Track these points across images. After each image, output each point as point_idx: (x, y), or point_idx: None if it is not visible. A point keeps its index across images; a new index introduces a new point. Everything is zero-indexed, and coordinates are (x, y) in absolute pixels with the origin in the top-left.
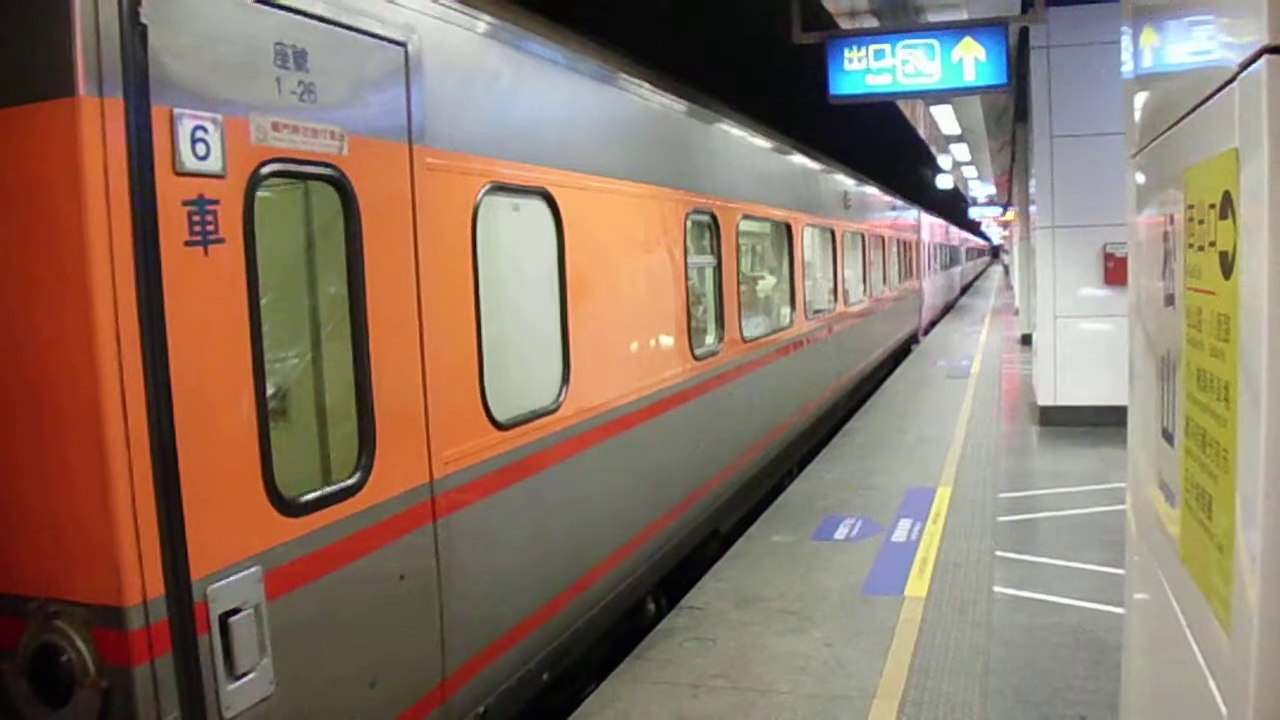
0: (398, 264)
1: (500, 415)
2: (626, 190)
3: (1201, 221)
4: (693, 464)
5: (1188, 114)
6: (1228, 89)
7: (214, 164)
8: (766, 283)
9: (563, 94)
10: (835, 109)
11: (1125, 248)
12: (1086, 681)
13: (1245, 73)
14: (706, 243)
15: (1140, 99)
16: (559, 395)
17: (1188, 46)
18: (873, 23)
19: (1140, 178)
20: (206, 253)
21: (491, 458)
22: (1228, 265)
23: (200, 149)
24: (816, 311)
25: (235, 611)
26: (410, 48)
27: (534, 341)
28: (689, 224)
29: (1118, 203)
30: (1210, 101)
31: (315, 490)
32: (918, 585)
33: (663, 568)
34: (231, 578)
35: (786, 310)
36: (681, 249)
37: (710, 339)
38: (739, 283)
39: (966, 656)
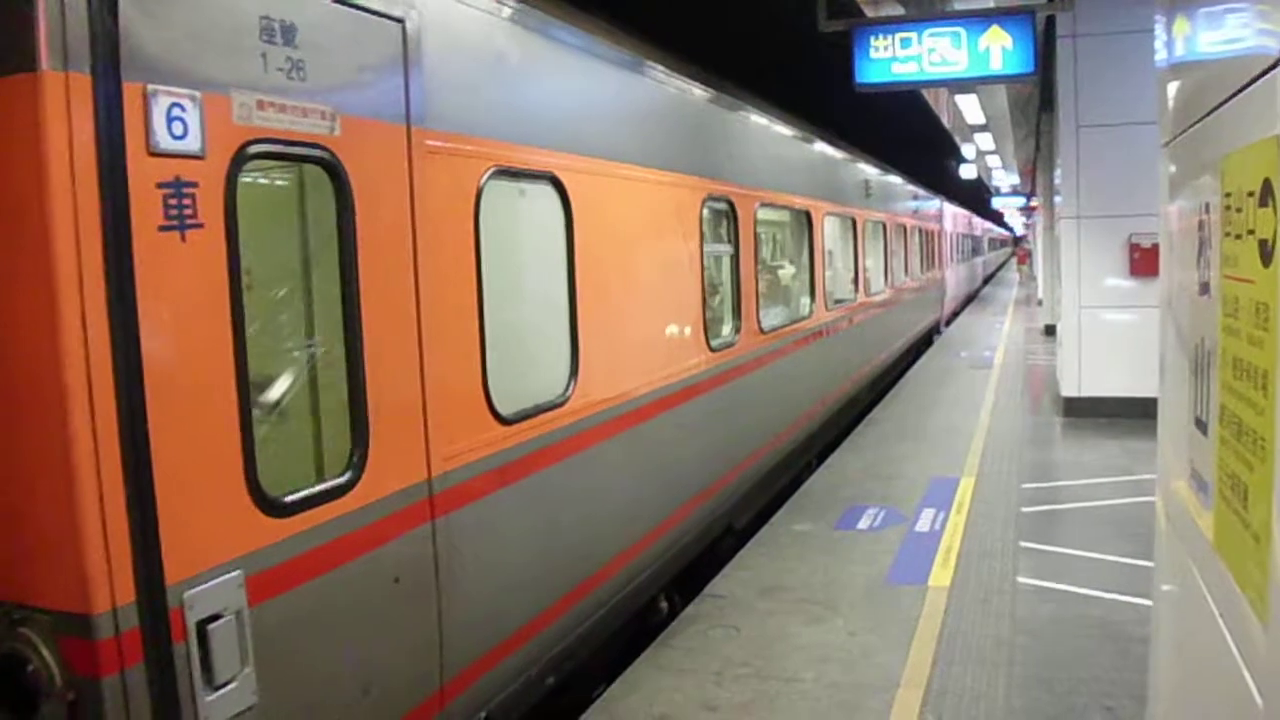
0: (394, 250)
1: (504, 409)
2: (640, 176)
3: (1239, 209)
4: (707, 458)
5: (1225, 101)
6: (1268, 76)
7: (192, 144)
8: (786, 272)
9: (573, 76)
10: (858, 97)
11: (1151, 238)
12: (1111, 672)
13: None
14: (723, 231)
15: (1174, 87)
16: (567, 388)
17: (1225, 34)
18: (899, 11)
19: (1173, 167)
20: (184, 238)
21: (494, 454)
22: (1268, 253)
23: (177, 128)
24: (837, 301)
25: (215, 618)
26: (409, 24)
27: (541, 333)
28: (705, 211)
29: (1143, 193)
30: (1250, 88)
31: (303, 489)
32: (941, 575)
33: (675, 566)
34: (210, 582)
35: (806, 300)
36: (697, 237)
37: (727, 329)
38: (757, 272)
39: (990, 646)
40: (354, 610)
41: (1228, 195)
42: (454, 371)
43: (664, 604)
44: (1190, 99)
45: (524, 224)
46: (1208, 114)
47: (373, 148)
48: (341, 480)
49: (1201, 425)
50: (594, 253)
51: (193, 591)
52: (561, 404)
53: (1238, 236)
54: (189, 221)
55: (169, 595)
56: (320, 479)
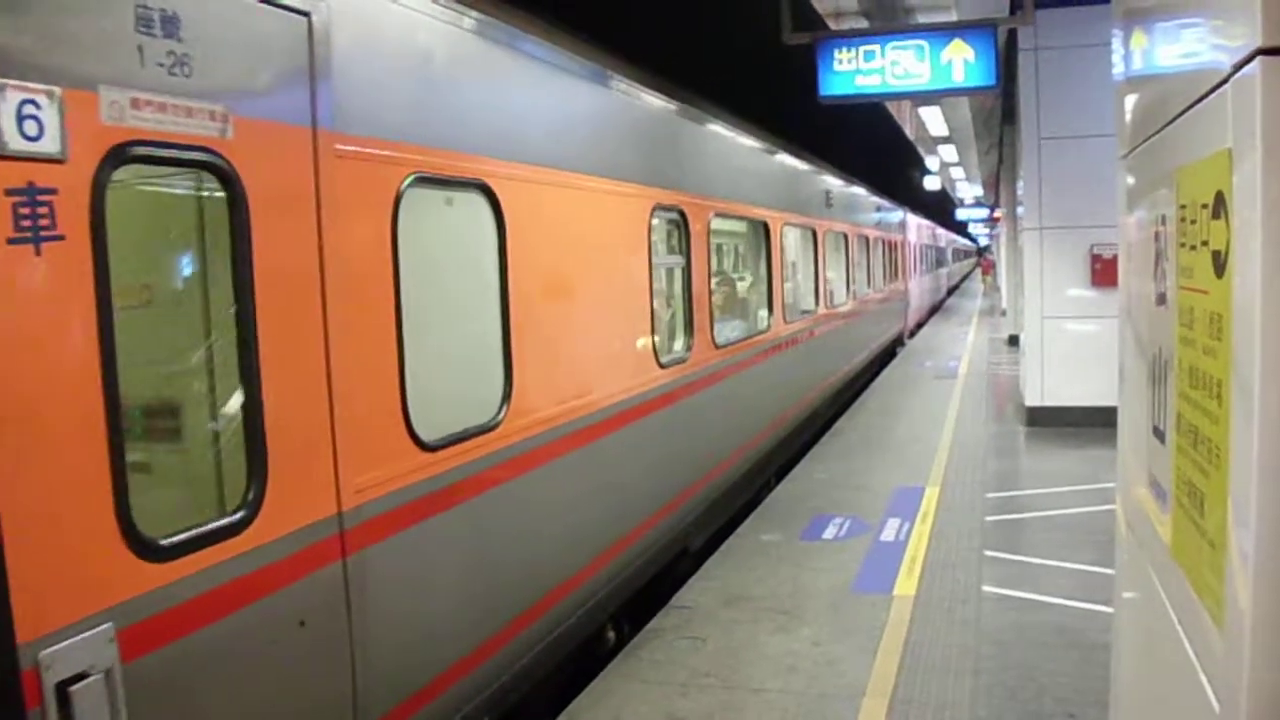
0: (296, 262)
1: (427, 435)
2: (580, 184)
3: (1194, 221)
4: (658, 480)
5: (1179, 115)
6: (1220, 90)
7: (49, 145)
8: (742, 284)
9: (507, 77)
10: (822, 109)
11: (1112, 249)
12: (1075, 680)
13: (1238, 74)
14: (674, 242)
15: (1131, 100)
16: (499, 411)
17: (1179, 48)
18: (862, 24)
19: (1131, 178)
20: (39, 251)
21: (416, 483)
22: (1220, 264)
23: (30, 127)
24: (798, 314)
25: (79, 678)
26: (315, 18)
27: (470, 352)
28: (654, 221)
29: (1105, 204)
30: (1203, 102)
31: (189, 529)
32: (907, 584)
33: (625, 592)
34: (73, 638)
35: (764, 313)
36: (645, 248)
37: (678, 345)
38: (710, 285)
39: (955, 655)
40: (251, 660)
41: (1183, 207)
42: (368, 395)
43: (611, 634)
44: (1146, 112)
45: (451, 235)
46: (1163, 127)
47: (272, 152)
48: (235, 518)
49: (1159, 434)
50: (529, 266)
51: (51, 650)
52: (493, 427)
53: (1192, 248)
54: (45, 233)
55: (21, 654)
56: (209, 517)
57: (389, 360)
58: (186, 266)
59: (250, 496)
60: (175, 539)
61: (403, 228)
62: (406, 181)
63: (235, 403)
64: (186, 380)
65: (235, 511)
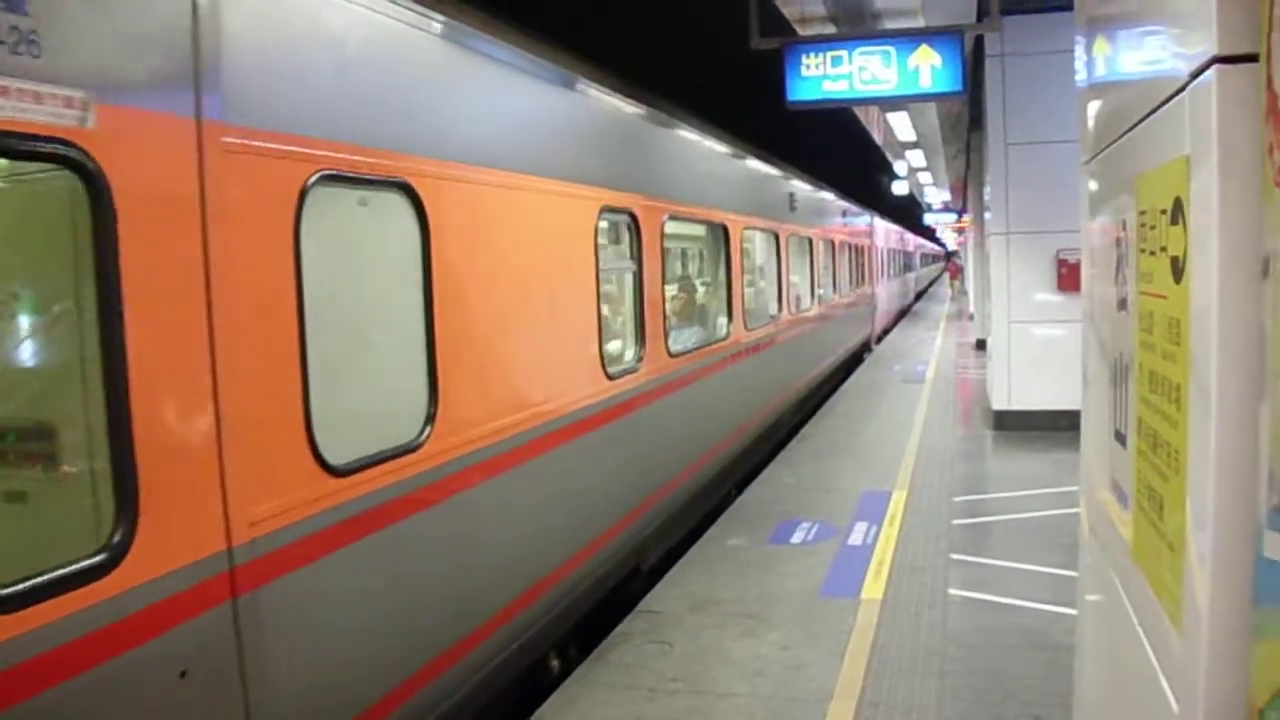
0: (174, 268)
1: (335, 458)
2: (517, 184)
3: (1153, 227)
4: (607, 497)
5: (1139, 122)
6: (1178, 97)
7: None
8: (699, 291)
9: (435, 69)
10: (790, 114)
11: (1077, 254)
12: (1041, 681)
13: (1195, 82)
14: (624, 246)
15: (1093, 107)
16: (422, 430)
17: (1139, 56)
18: (830, 29)
19: (1093, 184)
20: None
21: (322, 512)
22: (1179, 270)
23: None
24: (757, 321)
25: None
26: None
27: (387, 366)
28: (601, 224)
29: (1070, 209)
30: (1161, 109)
31: (38, 574)
32: (874, 588)
33: (568, 618)
34: None
35: (723, 320)
36: (592, 253)
37: (629, 354)
38: (665, 291)
39: (923, 658)
40: (119, 716)
41: (1143, 213)
42: (264, 418)
43: (555, 662)
44: (1108, 119)
45: (366, 239)
46: (1124, 134)
47: (144, 144)
48: (96, 560)
49: (1120, 438)
50: (456, 273)
51: None
52: (415, 448)
53: (1152, 253)
54: None
55: None
56: (65, 559)
57: (290, 378)
58: (42, 273)
59: (116, 535)
60: (19, 587)
61: (307, 230)
62: (311, 179)
63: (99, 428)
64: (37, 403)
65: (97, 553)
